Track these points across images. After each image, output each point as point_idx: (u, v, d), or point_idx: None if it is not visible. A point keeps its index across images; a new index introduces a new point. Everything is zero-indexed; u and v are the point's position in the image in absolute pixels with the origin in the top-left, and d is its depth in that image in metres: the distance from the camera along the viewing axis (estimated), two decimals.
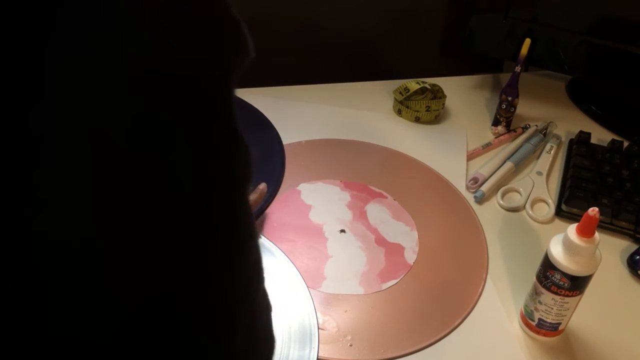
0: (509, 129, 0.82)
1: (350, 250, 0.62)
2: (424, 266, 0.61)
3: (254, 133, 0.76)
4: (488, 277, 0.61)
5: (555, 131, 0.83)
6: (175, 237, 0.23)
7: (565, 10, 0.81)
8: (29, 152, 0.19)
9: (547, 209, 0.70)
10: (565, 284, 0.49)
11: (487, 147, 0.79)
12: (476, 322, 0.56)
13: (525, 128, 0.82)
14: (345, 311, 0.56)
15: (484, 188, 0.71)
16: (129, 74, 0.20)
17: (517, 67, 0.79)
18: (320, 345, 0.52)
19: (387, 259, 0.62)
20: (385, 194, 0.70)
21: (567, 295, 0.50)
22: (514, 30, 0.84)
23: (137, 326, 0.23)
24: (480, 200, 0.70)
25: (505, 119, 0.81)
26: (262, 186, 0.60)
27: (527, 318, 0.55)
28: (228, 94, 0.24)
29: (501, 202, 0.70)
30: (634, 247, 0.65)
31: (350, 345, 0.53)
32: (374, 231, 0.65)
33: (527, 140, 0.79)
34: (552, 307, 0.51)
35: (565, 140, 0.82)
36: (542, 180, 0.74)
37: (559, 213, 0.69)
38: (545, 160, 0.77)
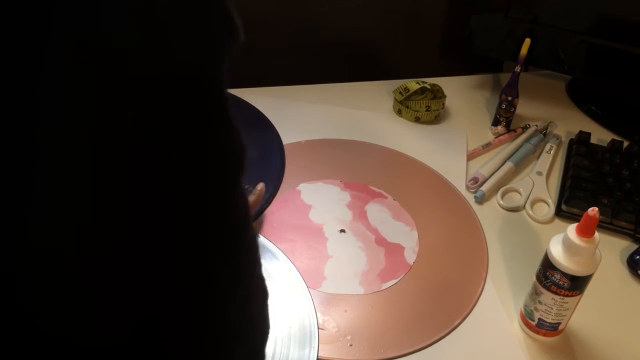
0: (509, 129, 0.82)
1: (350, 250, 0.62)
2: (423, 266, 0.61)
3: (254, 133, 0.76)
4: (488, 277, 0.61)
5: (555, 131, 0.83)
6: (170, 227, 0.23)
7: (565, 10, 0.81)
8: (29, 150, 0.19)
9: (547, 209, 0.70)
10: (565, 284, 0.49)
11: (487, 147, 0.79)
12: (476, 322, 0.56)
13: (525, 128, 0.82)
14: (345, 311, 0.56)
15: (484, 188, 0.71)
16: (130, 73, 0.20)
17: (517, 67, 0.79)
18: (320, 345, 0.52)
19: (387, 259, 0.62)
20: (385, 194, 0.70)
21: (567, 295, 0.50)
22: (514, 30, 0.84)
23: (137, 334, 0.23)
24: (480, 200, 0.70)
25: (505, 119, 0.81)
26: (260, 187, 0.60)
27: (527, 318, 0.55)
28: (221, 86, 0.24)
29: (501, 202, 0.70)
30: (634, 247, 0.65)
31: (350, 345, 0.53)
32: (374, 231, 0.65)
33: (527, 140, 0.79)
34: (552, 307, 0.51)
35: (565, 140, 0.82)
36: (542, 180, 0.74)
37: (559, 213, 0.69)
38: (545, 160, 0.77)
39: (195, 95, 0.22)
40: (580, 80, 0.94)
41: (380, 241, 0.64)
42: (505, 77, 0.89)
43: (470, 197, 0.71)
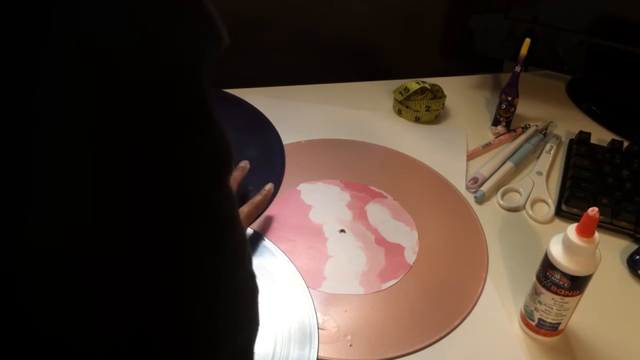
0: (509, 129, 0.82)
1: (350, 250, 0.62)
2: (423, 266, 0.61)
3: (254, 133, 0.76)
4: (488, 277, 0.61)
5: (555, 131, 0.83)
6: (156, 227, 0.23)
7: (565, 10, 0.81)
8: (29, 151, 0.19)
9: (547, 209, 0.70)
10: (565, 284, 0.49)
11: (487, 147, 0.79)
12: (476, 322, 0.56)
13: (525, 128, 0.82)
14: (345, 311, 0.56)
15: (484, 188, 0.71)
16: (124, 73, 0.20)
17: (517, 67, 0.79)
18: (320, 345, 0.52)
19: (387, 259, 0.62)
20: (385, 194, 0.70)
21: (567, 295, 0.50)
22: (514, 30, 0.84)
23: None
24: (480, 200, 0.70)
25: (505, 119, 0.81)
26: (269, 187, 0.60)
27: (527, 318, 0.55)
28: (201, 86, 0.24)
29: (501, 202, 0.70)
30: (634, 247, 0.65)
31: (350, 345, 0.53)
32: (374, 231, 0.65)
33: (527, 140, 0.79)
34: (552, 307, 0.51)
35: (565, 140, 0.82)
36: (542, 180, 0.74)
37: (559, 213, 0.69)
38: (545, 160, 0.77)
39: (173, 95, 0.22)
40: (580, 80, 0.94)
41: (380, 241, 0.64)
42: (505, 77, 0.89)
43: (470, 197, 0.71)
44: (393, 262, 0.61)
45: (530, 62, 0.86)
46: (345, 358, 0.52)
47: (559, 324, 0.53)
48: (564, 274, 0.49)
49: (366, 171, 0.73)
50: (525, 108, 0.87)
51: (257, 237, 0.62)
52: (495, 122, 0.82)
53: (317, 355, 0.51)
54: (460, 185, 0.72)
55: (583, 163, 0.74)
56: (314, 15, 0.89)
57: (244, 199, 0.60)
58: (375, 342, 0.53)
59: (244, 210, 0.57)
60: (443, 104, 0.84)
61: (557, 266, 0.49)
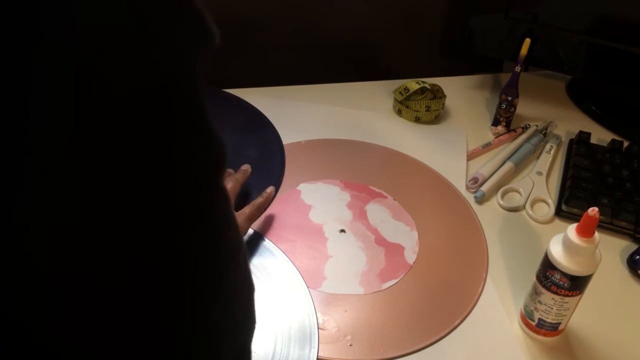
0: (509, 129, 0.82)
1: (350, 250, 0.62)
2: (423, 266, 0.61)
3: (254, 133, 0.76)
4: (488, 277, 0.61)
5: (555, 131, 0.83)
6: (148, 230, 0.23)
7: (565, 10, 0.81)
8: (18, 155, 0.19)
9: (547, 209, 0.70)
10: (565, 284, 0.49)
11: (487, 147, 0.79)
12: (476, 322, 0.56)
13: (525, 128, 0.82)
14: (345, 311, 0.56)
15: (484, 188, 0.71)
16: (114, 78, 0.20)
17: (517, 67, 0.79)
18: (320, 345, 0.52)
19: (387, 259, 0.62)
20: (385, 194, 0.70)
21: (567, 295, 0.50)
22: (514, 30, 0.84)
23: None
24: (480, 200, 0.70)
25: (505, 119, 0.81)
26: (270, 189, 0.61)
27: (527, 318, 0.55)
28: (197, 86, 0.24)
29: (501, 202, 0.70)
30: (634, 247, 0.65)
31: (350, 345, 0.53)
32: (374, 231, 0.65)
33: (527, 140, 0.80)
34: (552, 307, 0.51)
35: (565, 140, 0.82)
36: (542, 180, 0.74)
37: (559, 213, 0.69)
38: (545, 160, 0.77)
39: (165, 101, 0.22)
40: (580, 80, 0.94)
41: (380, 241, 0.64)
42: (505, 77, 0.89)
43: (470, 197, 0.71)
44: (393, 262, 0.61)
45: (530, 62, 0.86)
46: (345, 358, 0.52)
47: (559, 324, 0.53)
48: (564, 274, 0.49)
49: (366, 171, 0.73)
50: (525, 108, 0.87)
51: (257, 237, 0.62)
52: (495, 122, 0.82)
53: (317, 355, 0.51)
54: (460, 185, 0.72)
55: (583, 163, 0.74)
56: (314, 15, 0.89)
57: (245, 200, 0.60)
58: (375, 342, 0.53)
59: (245, 211, 0.57)
60: (443, 104, 0.84)
61: (557, 266, 0.49)
